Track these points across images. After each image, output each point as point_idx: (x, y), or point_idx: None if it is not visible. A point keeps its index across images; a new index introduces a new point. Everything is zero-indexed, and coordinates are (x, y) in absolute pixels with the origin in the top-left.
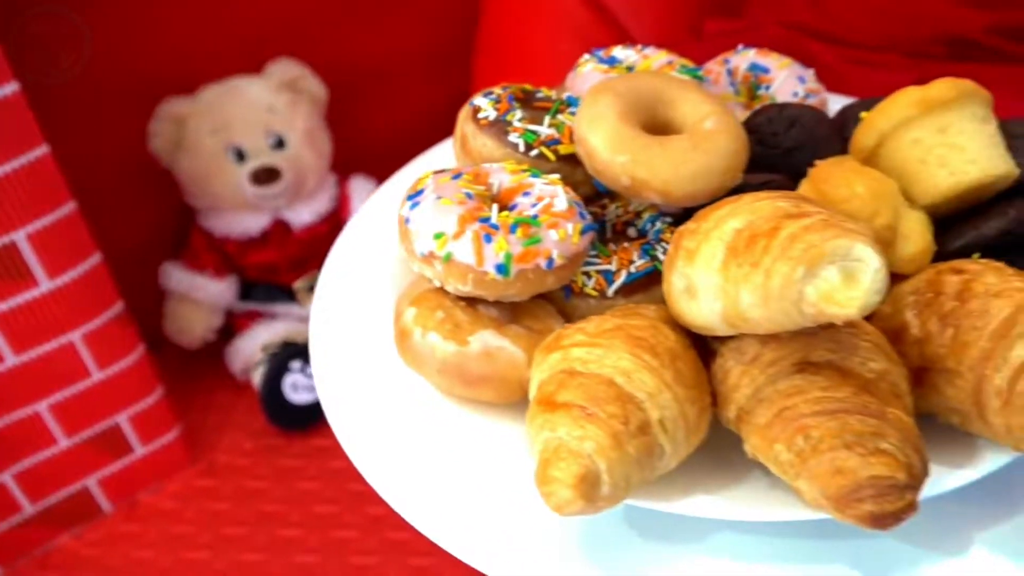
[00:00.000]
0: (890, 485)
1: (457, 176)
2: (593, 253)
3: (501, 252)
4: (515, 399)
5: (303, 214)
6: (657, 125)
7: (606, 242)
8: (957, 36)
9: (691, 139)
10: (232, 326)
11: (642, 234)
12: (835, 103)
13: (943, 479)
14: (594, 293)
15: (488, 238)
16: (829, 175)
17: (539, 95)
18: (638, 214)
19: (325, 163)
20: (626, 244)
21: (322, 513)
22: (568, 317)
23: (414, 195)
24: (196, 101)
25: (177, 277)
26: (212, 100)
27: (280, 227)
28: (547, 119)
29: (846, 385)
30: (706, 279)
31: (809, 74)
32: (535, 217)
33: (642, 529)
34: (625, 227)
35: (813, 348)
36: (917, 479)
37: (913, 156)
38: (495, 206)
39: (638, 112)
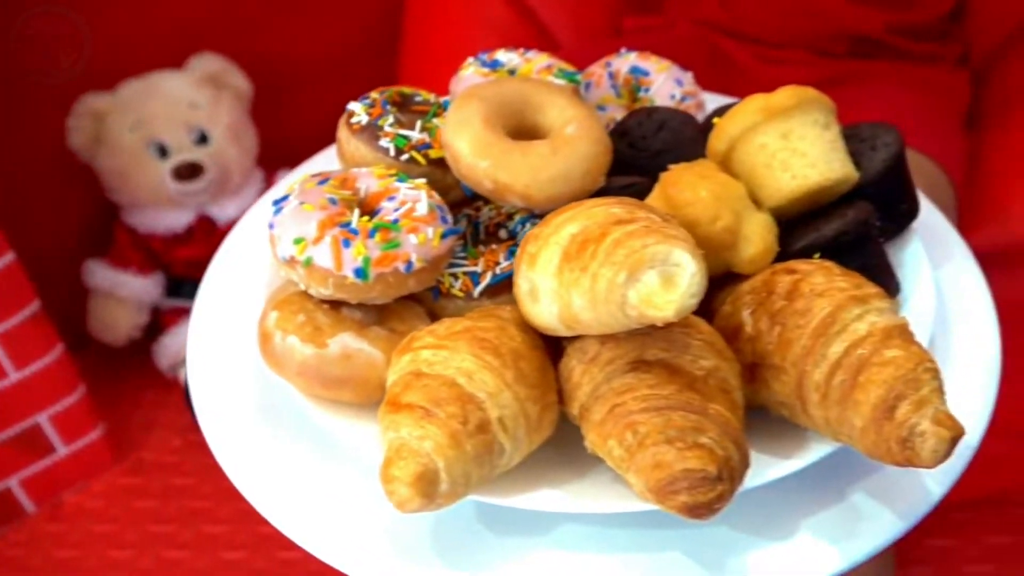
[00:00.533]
0: (702, 478)
1: (323, 181)
2: (462, 255)
3: (359, 256)
4: (376, 400)
5: (228, 209)
6: (525, 130)
7: (478, 244)
8: (859, 34)
9: (552, 144)
10: (159, 323)
11: (512, 236)
12: (713, 105)
13: (770, 469)
14: (460, 294)
15: (347, 243)
16: (678, 179)
17: (417, 99)
18: (510, 216)
19: (250, 158)
20: (494, 246)
21: (250, 509)
22: (437, 318)
23: (279, 200)
24: (116, 96)
25: (101, 274)
26: (132, 95)
27: (205, 223)
28: (419, 123)
29: (673, 382)
30: (545, 283)
31: (687, 77)
32: (395, 222)
33: (492, 524)
34: (497, 229)
35: (648, 347)
36: (734, 471)
37: (760, 160)
38: (357, 211)
39: (504, 117)
